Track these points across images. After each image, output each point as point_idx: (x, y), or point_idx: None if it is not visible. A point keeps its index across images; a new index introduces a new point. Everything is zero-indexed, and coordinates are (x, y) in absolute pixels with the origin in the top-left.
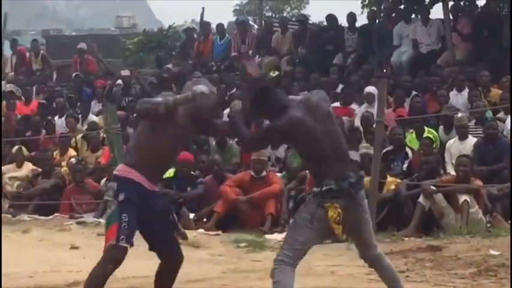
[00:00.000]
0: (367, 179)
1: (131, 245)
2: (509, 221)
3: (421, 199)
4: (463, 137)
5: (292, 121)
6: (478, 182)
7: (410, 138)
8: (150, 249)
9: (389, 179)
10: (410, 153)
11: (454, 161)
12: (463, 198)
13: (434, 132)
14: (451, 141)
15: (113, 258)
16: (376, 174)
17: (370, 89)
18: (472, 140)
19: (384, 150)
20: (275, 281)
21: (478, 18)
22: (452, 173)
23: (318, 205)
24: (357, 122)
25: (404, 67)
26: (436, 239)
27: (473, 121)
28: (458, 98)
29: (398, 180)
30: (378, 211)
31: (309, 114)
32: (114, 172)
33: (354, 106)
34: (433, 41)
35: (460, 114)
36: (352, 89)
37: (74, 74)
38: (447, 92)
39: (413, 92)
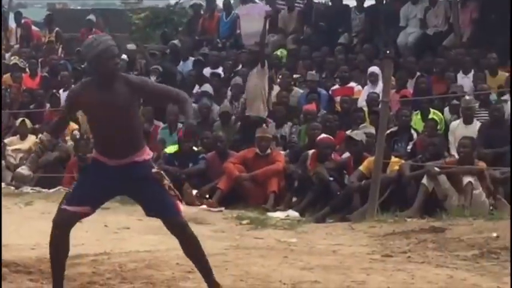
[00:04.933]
0: (370, 159)
1: (77, 205)
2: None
3: (424, 180)
4: (468, 120)
5: None
6: (482, 165)
7: (415, 119)
8: (147, 214)
9: (393, 159)
10: (414, 135)
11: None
12: (467, 180)
13: (439, 114)
14: (454, 124)
15: (55, 221)
16: (380, 155)
17: (374, 69)
18: (476, 123)
19: (388, 131)
20: None
21: (486, 1)
22: (456, 155)
23: None
24: (361, 102)
25: (410, 48)
26: (438, 221)
27: (478, 104)
28: (464, 81)
29: (402, 161)
30: (381, 191)
31: None
32: None
33: (352, 84)
34: (439, 23)
35: (467, 97)
36: (357, 69)
37: (78, 49)
38: (454, 74)
39: (418, 73)
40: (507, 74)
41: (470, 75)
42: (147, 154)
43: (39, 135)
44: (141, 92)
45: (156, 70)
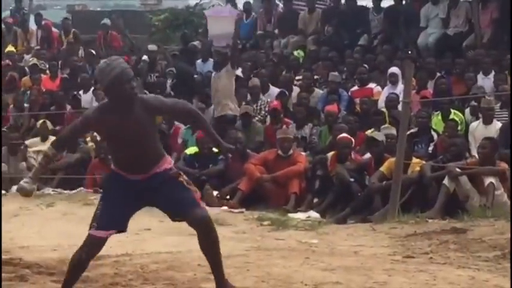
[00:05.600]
0: (391, 160)
1: (108, 229)
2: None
3: (446, 181)
4: (488, 120)
5: None
6: (504, 165)
7: (436, 120)
8: (173, 220)
9: (414, 160)
10: (435, 136)
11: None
12: (488, 180)
13: (460, 114)
14: (474, 124)
15: (84, 245)
16: (401, 156)
17: (394, 69)
18: (496, 124)
19: (408, 132)
20: None
21: (506, 2)
22: (477, 156)
23: None
24: (381, 103)
25: (431, 49)
26: (460, 222)
27: (499, 104)
28: (485, 82)
29: (423, 162)
30: (403, 192)
31: None
32: None
33: (371, 85)
34: (460, 23)
35: (487, 97)
36: (377, 69)
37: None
38: (474, 74)
39: (438, 74)
40: None
41: (491, 76)
42: (168, 163)
43: (46, 147)
44: (159, 113)
45: (170, 72)
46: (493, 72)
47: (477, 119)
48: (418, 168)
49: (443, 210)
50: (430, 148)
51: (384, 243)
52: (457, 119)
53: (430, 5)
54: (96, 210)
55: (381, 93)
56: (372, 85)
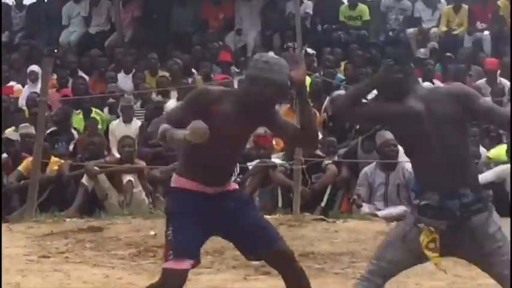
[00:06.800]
0: (30, 159)
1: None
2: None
3: (84, 180)
4: (128, 119)
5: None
6: (142, 163)
7: (77, 119)
8: (246, 255)
9: (53, 159)
10: (76, 134)
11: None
12: (127, 178)
13: (101, 113)
14: (114, 123)
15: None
16: (38, 155)
17: (34, 67)
18: (136, 122)
19: (48, 131)
20: None
21: (148, 1)
22: (117, 154)
23: (413, 223)
24: (22, 101)
25: (73, 47)
26: (97, 220)
27: (139, 103)
28: (125, 80)
29: (62, 161)
30: (41, 192)
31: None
32: None
33: (12, 83)
34: (102, 22)
35: (126, 96)
36: (17, 67)
37: None
38: (115, 73)
39: (79, 73)
40: (167, 74)
41: (131, 74)
42: (234, 183)
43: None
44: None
45: None
46: (133, 71)
47: (117, 117)
48: (56, 167)
49: (82, 209)
50: (71, 147)
51: (20, 244)
52: (97, 117)
53: (71, 3)
54: (166, 237)
55: (21, 92)
56: (12, 83)
